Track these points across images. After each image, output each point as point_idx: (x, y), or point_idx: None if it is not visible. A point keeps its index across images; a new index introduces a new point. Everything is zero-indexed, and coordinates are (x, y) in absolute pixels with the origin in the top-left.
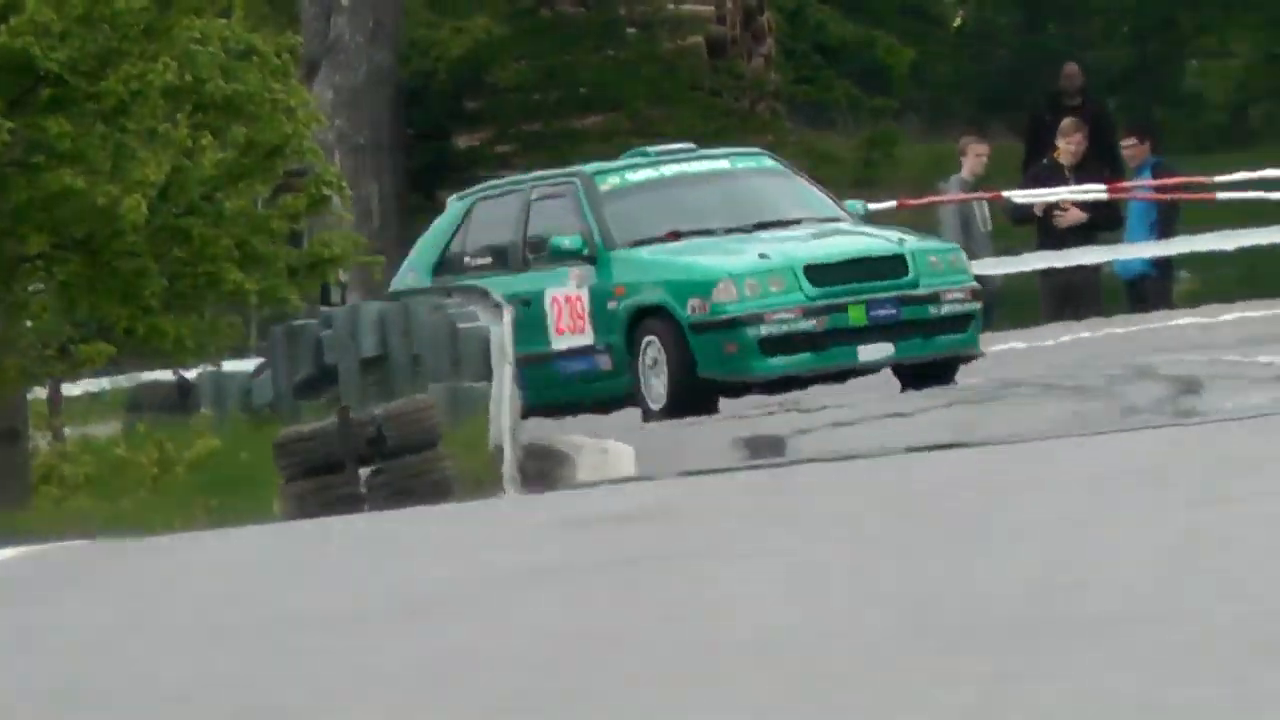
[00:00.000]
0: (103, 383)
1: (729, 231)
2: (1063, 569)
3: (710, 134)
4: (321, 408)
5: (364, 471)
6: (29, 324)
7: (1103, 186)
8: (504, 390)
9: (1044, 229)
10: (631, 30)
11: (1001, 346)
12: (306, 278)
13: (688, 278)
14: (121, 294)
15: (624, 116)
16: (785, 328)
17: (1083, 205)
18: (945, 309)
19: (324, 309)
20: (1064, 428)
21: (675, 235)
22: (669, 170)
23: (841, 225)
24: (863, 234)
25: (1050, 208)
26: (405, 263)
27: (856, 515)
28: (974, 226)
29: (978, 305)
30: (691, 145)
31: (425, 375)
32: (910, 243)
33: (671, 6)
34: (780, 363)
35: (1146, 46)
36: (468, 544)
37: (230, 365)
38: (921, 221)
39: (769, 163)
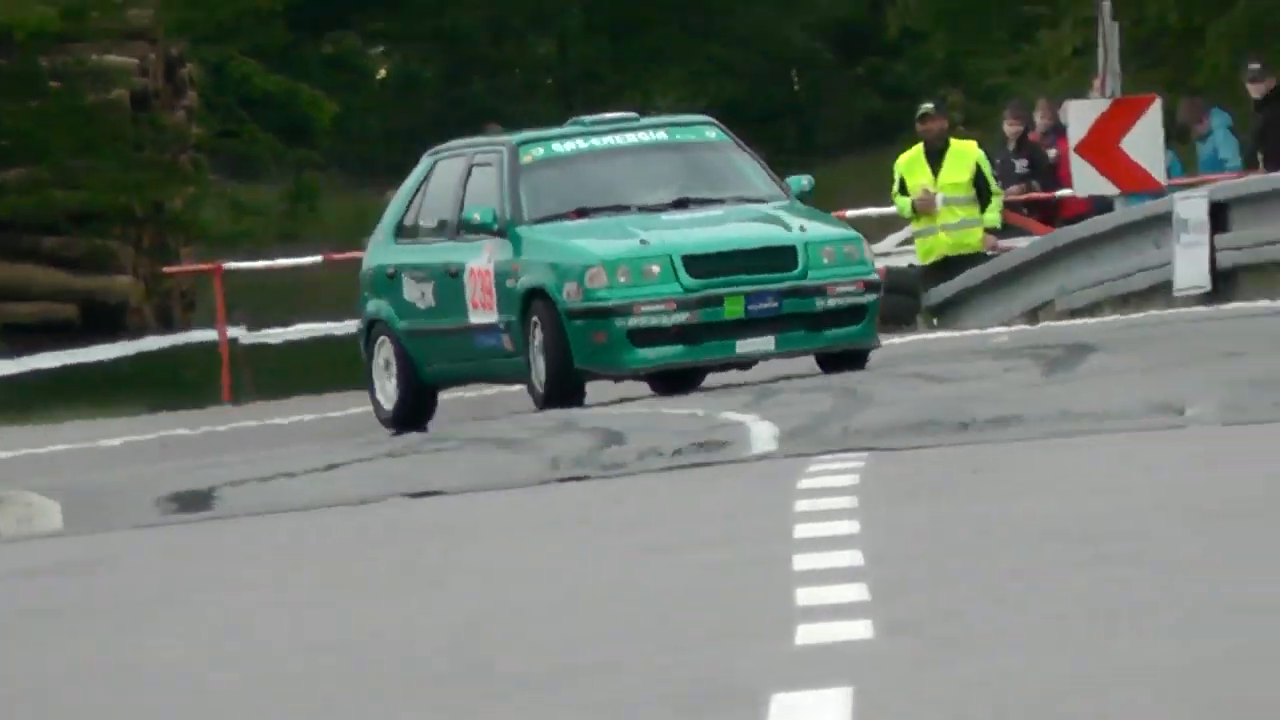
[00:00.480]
0: None
1: (643, 210)
2: (486, 620)
3: (132, 185)
4: None
5: None
6: None
7: None
8: None
9: None
10: (54, 83)
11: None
12: None
13: (566, 261)
14: None
15: (45, 168)
16: (656, 319)
17: None
18: (834, 301)
19: None
20: (491, 479)
21: (581, 213)
22: (600, 142)
23: (762, 209)
24: (764, 221)
25: None
26: (379, 222)
27: (282, 569)
28: None
29: (874, 296)
30: (634, 114)
31: None
32: (810, 232)
33: (94, 58)
34: (652, 354)
35: (570, 100)
36: None
37: None
38: (354, 276)
39: (712, 134)
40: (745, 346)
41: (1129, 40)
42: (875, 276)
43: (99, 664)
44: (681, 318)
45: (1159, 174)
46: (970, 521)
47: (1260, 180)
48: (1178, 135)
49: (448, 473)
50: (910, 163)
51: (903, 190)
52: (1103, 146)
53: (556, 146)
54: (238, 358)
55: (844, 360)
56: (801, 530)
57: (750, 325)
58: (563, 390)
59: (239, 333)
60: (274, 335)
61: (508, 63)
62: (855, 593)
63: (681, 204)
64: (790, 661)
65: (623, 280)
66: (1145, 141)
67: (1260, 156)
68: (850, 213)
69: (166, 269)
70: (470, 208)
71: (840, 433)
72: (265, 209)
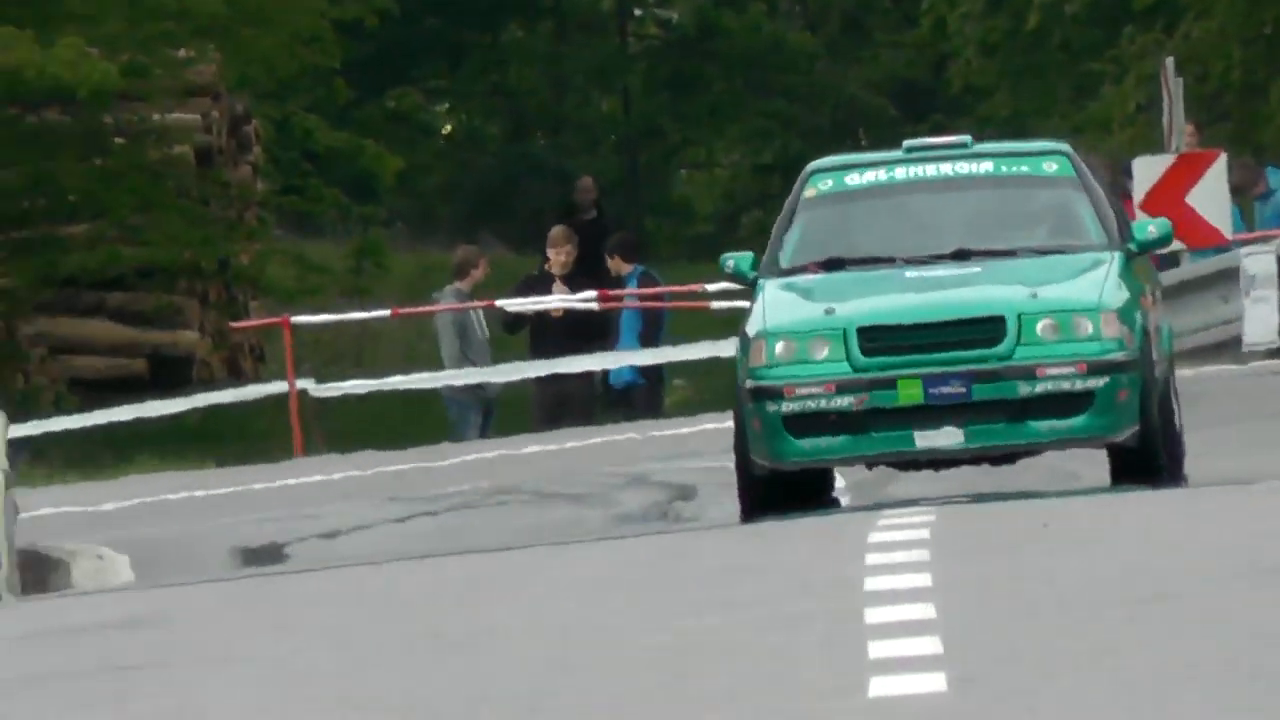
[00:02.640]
0: None
1: (909, 262)
2: (556, 675)
3: (197, 241)
4: None
5: None
6: None
7: (593, 294)
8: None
9: (536, 337)
10: (118, 139)
11: (495, 454)
12: None
13: (750, 330)
14: None
15: (111, 225)
16: (814, 404)
17: (576, 315)
18: (1043, 386)
19: None
20: (557, 534)
21: (833, 264)
22: (904, 173)
23: (1055, 263)
24: (1016, 282)
25: (541, 315)
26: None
27: (351, 623)
28: (472, 333)
29: (1102, 381)
30: (965, 139)
31: None
32: (1041, 298)
33: (158, 116)
34: (809, 445)
35: (636, 157)
36: None
37: None
38: (421, 329)
39: (1052, 167)
40: (926, 439)
41: (1193, 96)
42: (1113, 356)
43: (168, 717)
44: (843, 402)
45: (1226, 229)
46: (1042, 575)
47: None
48: (1234, 194)
49: (514, 527)
50: None
51: None
52: (1168, 202)
53: (848, 179)
54: (306, 410)
55: (1132, 469)
56: (873, 583)
57: (932, 413)
58: (751, 488)
59: (308, 385)
60: (343, 388)
61: (569, 119)
62: (928, 646)
63: (961, 255)
64: (863, 715)
65: (786, 356)
66: (1211, 196)
67: None
68: None
69: (234, 324)
70: (730, 255)
71: (910, 486)
72: (330, 266)
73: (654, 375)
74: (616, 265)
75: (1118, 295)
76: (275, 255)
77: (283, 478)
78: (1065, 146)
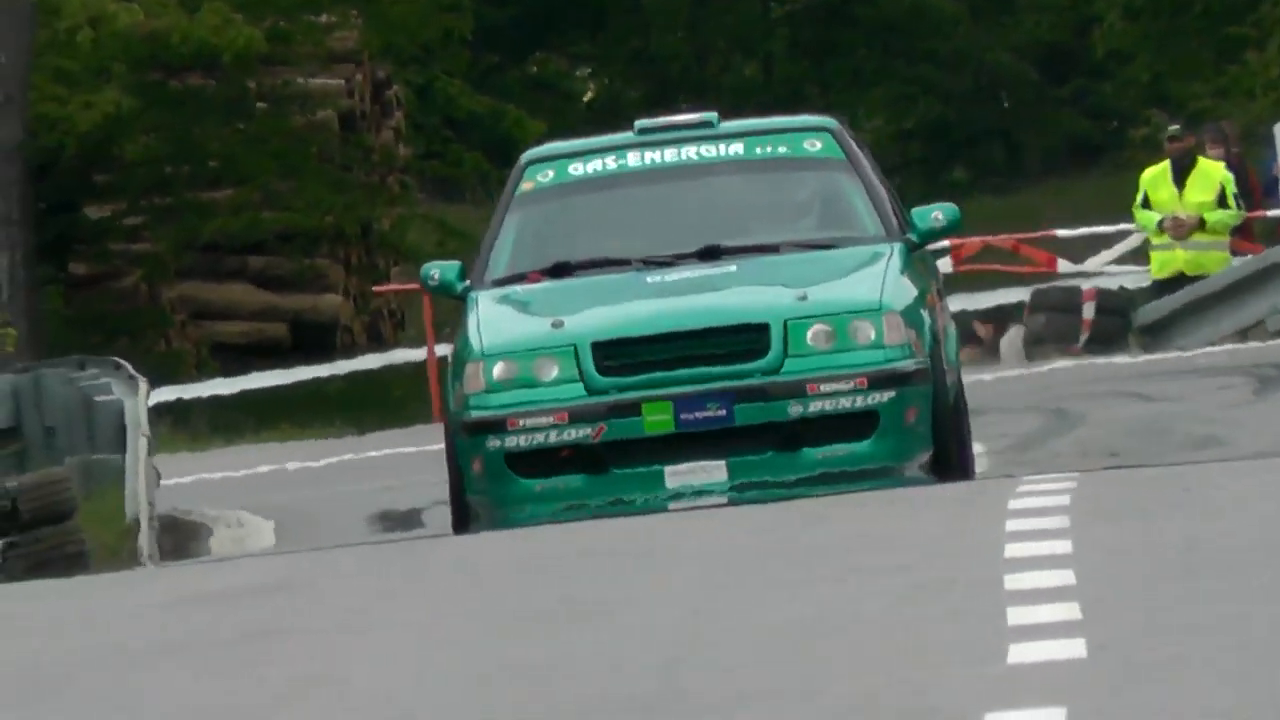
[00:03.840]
0: None
1: (649, 264)
2: (689, 644)
3: (339, 206)
4: None
5: None
6: None
7: None
8: (139, 463)
9: None
10: (261, 104)
11: None
12: None
13: (461, 352)
14: None
15: (254, 190)
16: (540, 437)
17: None
18: (818, 405)
19: None
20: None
21: (559, 270)
22: (637, 159)
23: (826, 259)
24: (780, 283)
25: None
26: None
27: (489, 589)
28: None
29: (886, 396)
30: (711, 117)
31: (59, 448)
32: (812, 300)
33: (301, 81)
34: (544, 489)
35: None
36: (99, 618)
37: None
38: None
39: (816, 146)
40: (679, 476)
41: None
42: (899, 366)
43: (309, 683)
44: (577, 434)
45: None
46: (1183, 541)
47: None
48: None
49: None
50: (1155, 178)
51: (1145, 204)
52: None
53: (573, 168)
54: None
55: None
56: (1012, 550)
57: (686, 444)
58: (466, 530)
59: (448, 351)
60: None
61: (712, 85)
62: (1067, 612)
63: (711, 254)
64: (1003, 681)
65: (507, 380)
66: None
67: None
68: (1061, 232)
69: (375, 288)
70: (433, 265)
71: (1050, 453)
72: (471, 231)
73: None
74: None
75: (901, 294)
76: (416, 220)
77: (422, 443)
78: (830, 121)
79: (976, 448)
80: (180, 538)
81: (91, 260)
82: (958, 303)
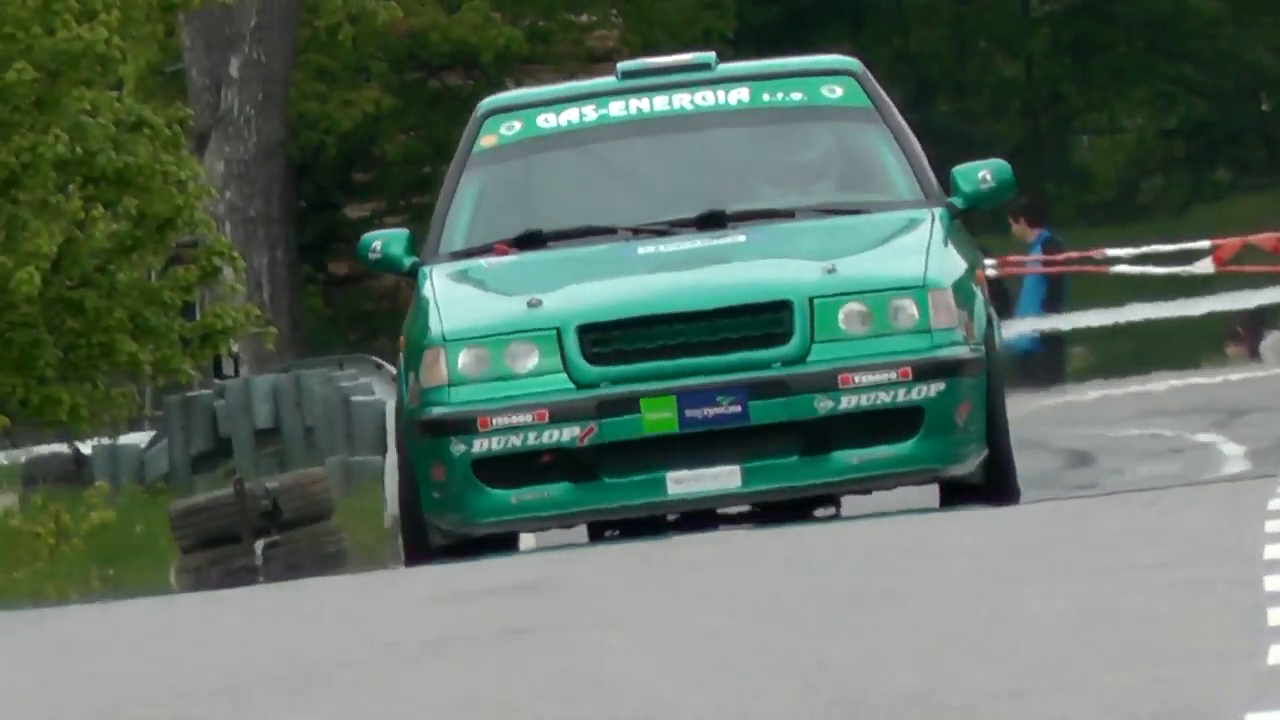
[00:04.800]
0: None
1: (642, 233)
2: (946, 642)
3: None
4: (216, 480)
5: (259, 543)
6: None
7: (993, 261)
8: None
9: None
10: None
11: None
12: (199, 349)
13: (416, 337)
14: (16, 364)
15: None
16: (516, 440)
17: None
18: (853, 401)
19: (217, 381)
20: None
21: (529, 241)
22: (621, 108)
23: (854, 227)
24: (762, 258)
25: None
26: None
27: (740, 587)
28: None
29: (935, 389)
30: (707, 57)
31: (319, 447)
32: (841, 273)
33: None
34: (519, 501)
35: (1037, 121)
36: (359, 616)
37: (125, 437)
38: None
39: (836, 92)
40: (684, 483)
41: None
42: (950, 354)
43: (565, 681)
44: (562, 435)
45: None
46: None
47: None
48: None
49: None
50: None
51: None
52: None
53: (543, 119)
54: None
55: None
56: (1273, 551)
57: (693, 445)
58: (421, 559)
59: None
60: None
61: (973, 84)
62: None
63: (714, 221)
64: (1262, 681)
65: (475, 371)
66: None
67: None
68: None
69: None
70: (374, 235)
71: None
72: None
73: (1056, 341)
74: (1022, 229)
75: (949, 267)
76: None
77: None
78: (852, 62)
79: (1235, 448)
80: None
81: (351, 259)
82: (1219, 303)
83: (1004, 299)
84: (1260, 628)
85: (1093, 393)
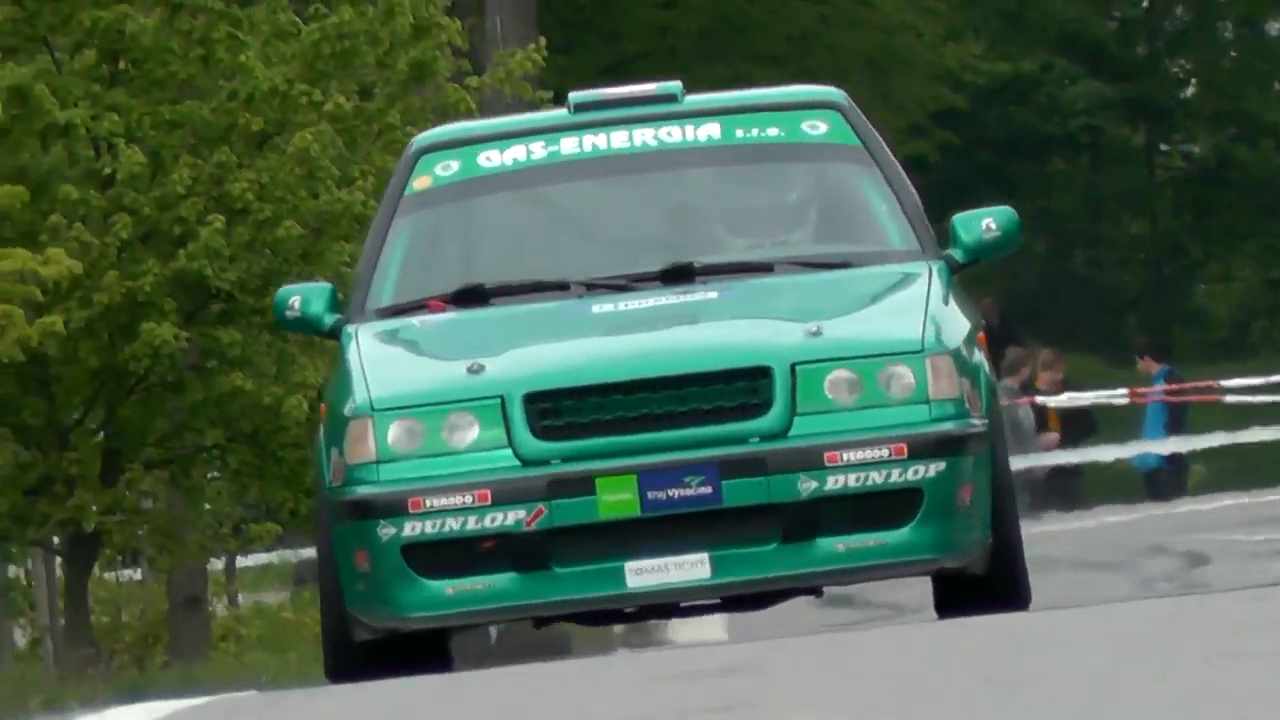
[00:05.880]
0: (271, 557)
1: (597, 288)
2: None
3: None
4: None
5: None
6: (207, 506)
7: (1124, 391)
8: None
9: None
10: None
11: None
12: None
13: (340, 406)
14: (286, 480)
15: None
16: (454, 523)
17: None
18: (836, 480)
19: None
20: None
21: (471, 296)
22: (574, 146)
23: (838, 282)
24: (736, 318)
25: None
26: None
27: (914, 675)
28: (1020, 425)
29: (935, 469)
30: (674, 87)
31: None
32: (826, 335)
33: None
34: (457, 593)
35: (1160, 271)
36: (577, 693)
37: None
38: None
39: (821, 130)
40: (645, 575)
41: None
42: (951, 428)
43: None
44: (506, 519)
45: None
46: None
47: None
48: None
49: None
50: None
51: None
52: None
53: (484, 158)
54: None
55: (973, 599)
56: None
57: (656, 531)
58: (344, 659)
59: None
60: None
61: (1104, 237)
62: None
63: (681, 274)
64: None
65: (406, 445)
66: None
67: None
68: None
69: None
70: (292, 288)
71: None
72: None
73: (1178, 460)
74: (1146, 365)
75: (950, 330)
76: None
77: None
78: (837, 94)
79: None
80: (643, 631)
81: None
82: None
83: (1088, 420)
84: None
85: (1208, 504)
